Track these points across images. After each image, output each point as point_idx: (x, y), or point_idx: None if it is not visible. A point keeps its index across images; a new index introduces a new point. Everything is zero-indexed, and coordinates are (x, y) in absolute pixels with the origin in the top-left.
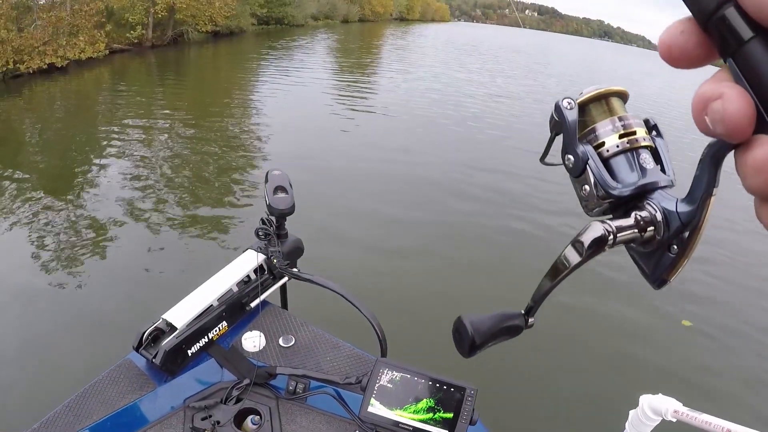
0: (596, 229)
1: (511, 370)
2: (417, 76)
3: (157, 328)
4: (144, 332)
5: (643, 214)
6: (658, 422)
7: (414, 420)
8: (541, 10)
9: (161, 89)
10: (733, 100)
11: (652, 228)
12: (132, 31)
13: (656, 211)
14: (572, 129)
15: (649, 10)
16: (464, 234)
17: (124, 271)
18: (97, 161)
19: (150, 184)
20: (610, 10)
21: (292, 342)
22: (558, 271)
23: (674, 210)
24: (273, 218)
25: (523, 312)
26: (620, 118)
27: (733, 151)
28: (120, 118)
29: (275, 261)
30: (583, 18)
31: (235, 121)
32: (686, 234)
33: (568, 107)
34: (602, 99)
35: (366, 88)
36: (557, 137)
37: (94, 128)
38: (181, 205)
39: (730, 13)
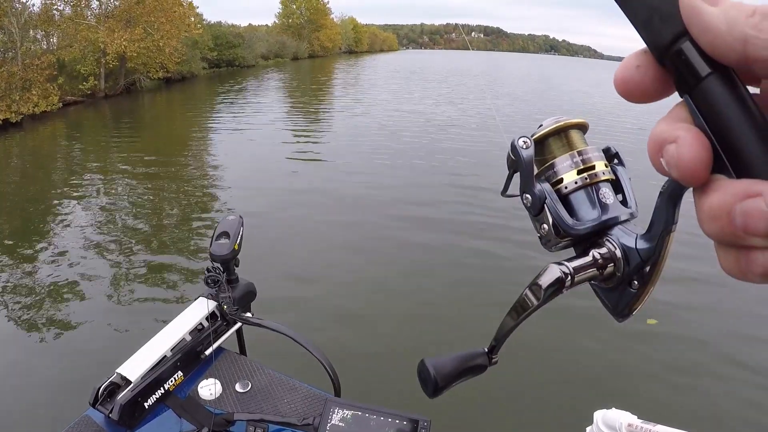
0: (553, 272)
1: (467, 397)
2: (362, 111)
3: (112, 383)
4: (99, 387)
5: (603, 251)
6: None
7: None
8: (487, 31)
9: (117, 141)
10: (688, 146)
11: (612, 265)
12: (84, 83)
13: (616, 248)
14: (528, 169)
15: (591, 21)
16: (410, 273)
17: (78, 326)
18: (53, 219)
19: (104, 239)
20: (554, 25)
21: (249, 387)
22: (518, 313)
23: (634, 247)
24: (218, 264)
25: (486, 350)
26: (579, 153)
27: (692, 189)
28: (76, 174)
29: (226, 307)
30: (529, 35)
31: (190, 173)
32: (647, 269)
33: (524, 147)
34: (561, 132)
35: (311, 129)
36: (515, 174)
37: (50, 185)
38: (135, 258)
39: (687, 47)
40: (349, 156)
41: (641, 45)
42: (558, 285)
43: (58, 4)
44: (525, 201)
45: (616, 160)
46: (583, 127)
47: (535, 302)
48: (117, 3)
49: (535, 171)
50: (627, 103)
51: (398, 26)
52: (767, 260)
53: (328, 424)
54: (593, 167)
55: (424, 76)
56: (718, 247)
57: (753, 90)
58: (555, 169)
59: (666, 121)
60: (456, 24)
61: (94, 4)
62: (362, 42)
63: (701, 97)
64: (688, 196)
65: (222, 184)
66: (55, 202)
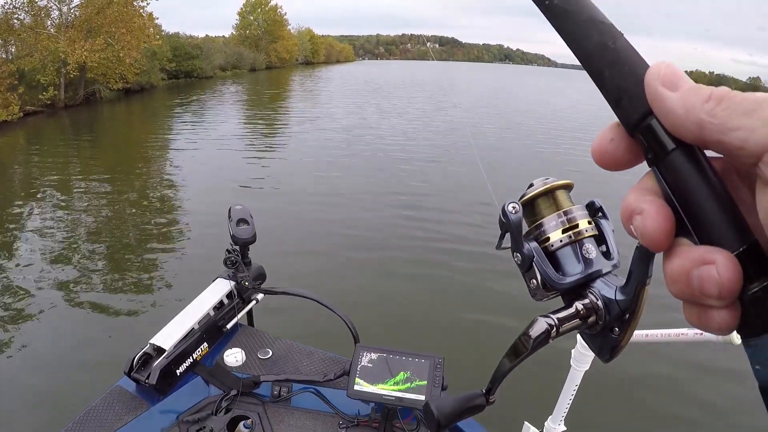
0: (540, 324)
1: (473, 339)
2: (317, 126)
3: (145, 353)
4: (134, 357)
5: (586, 302)
6: None
7: (394, 390)
8: (442, 41)
9: (76, 153)
10: (651, 219)
11: (594, 315)
12: (44, 93)
13: (597, 299)
14: (517, 231)
15: (545, 30)
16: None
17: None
18: (17, 228)
19: (69, 249)
20: (508, 34)
21: (270, 354)
22: (511, 359)
23: (614, 298)
24: (237, 248)
25: (483, 391)
26: (565, 212)
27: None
28: (38, 186)
29: (246, 283)
30: (484, 44)
31: (148, 188)
32: (626, 317)
33: (513, 211)
34: (548, 194)
35: (268, 145)
36: (507, 233)
37: (13, 197)
38: (96, 271)
39: (654, 124)
40: (305, 173)
41: None
42: (545, 335)
43: (19, 13)
44: (516, 259)
45: (600, 214)
46: (568, 187)
47: (524, 352)
48: (77, 13)
49: (527, 228)
50: None
51: (354, 37)
52: (722, 318)
53: (359, 366)
54: (577, 226)
55: (381, 88)
56: (684, 305)
57: (717, 155)
58: (543, 229)
59: (635, 191)
60: (411, 35)
61: (54, 13)
62: (319, 53)
63: (666, 170)
64: None
65: (179, 203)
66: (13, 215)
